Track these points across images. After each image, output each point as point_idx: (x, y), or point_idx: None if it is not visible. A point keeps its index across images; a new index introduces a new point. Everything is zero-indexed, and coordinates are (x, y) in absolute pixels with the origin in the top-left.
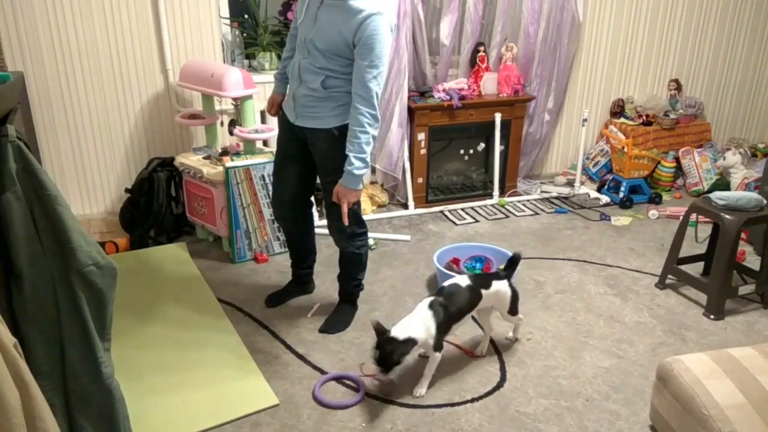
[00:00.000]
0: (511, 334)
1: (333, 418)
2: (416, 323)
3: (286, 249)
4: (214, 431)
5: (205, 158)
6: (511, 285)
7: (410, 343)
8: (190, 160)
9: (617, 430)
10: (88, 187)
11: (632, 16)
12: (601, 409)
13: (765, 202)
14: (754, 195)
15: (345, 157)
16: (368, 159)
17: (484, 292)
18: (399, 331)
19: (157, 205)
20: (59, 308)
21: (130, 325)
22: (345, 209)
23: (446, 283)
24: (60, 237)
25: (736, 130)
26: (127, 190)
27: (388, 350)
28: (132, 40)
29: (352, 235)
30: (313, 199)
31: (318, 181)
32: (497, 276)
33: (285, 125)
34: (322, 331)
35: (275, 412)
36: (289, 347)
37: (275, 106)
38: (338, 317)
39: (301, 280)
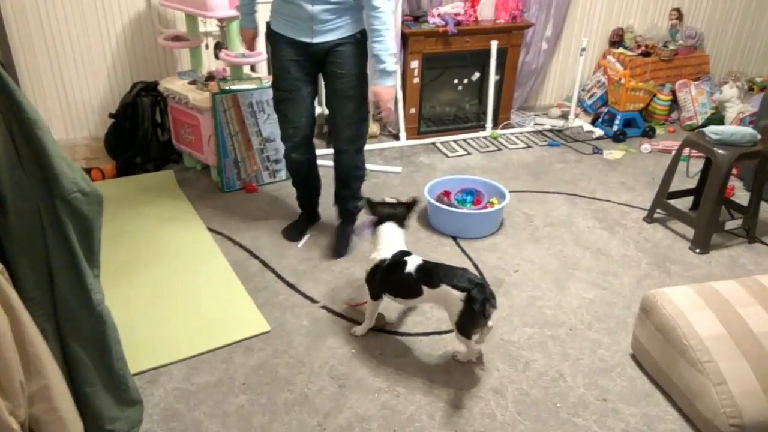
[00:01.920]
0: (457, 352)
1: (323, 344)
2: (389, 237)
3: (275, 179)
4: (206, 356)
5: (190, 83)
6: (467, 302)
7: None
8: (175, 84)
9: (598, 358)
10: (70, 111)
11: None
12: (584, 337)
13: (759, 137)
14: (748, 130)
15: (366, 60)
16: (396, 53)
17: (425, 289)
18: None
19: (142, 131)
20: (46, 235)
21: (119, 253)
22: (390, 106)
23: (397, 252)
24: (42, 163)
25: (735, 62)
26: (111, 115)
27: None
28: None
29: (360, 149)
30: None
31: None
32: (455, 278)
33: (292, 49)
34: (339, 255)
35: (267, 338)
36: (279, 276)
37: (251, 41)
38: (348, 238)
39: (311, 211)
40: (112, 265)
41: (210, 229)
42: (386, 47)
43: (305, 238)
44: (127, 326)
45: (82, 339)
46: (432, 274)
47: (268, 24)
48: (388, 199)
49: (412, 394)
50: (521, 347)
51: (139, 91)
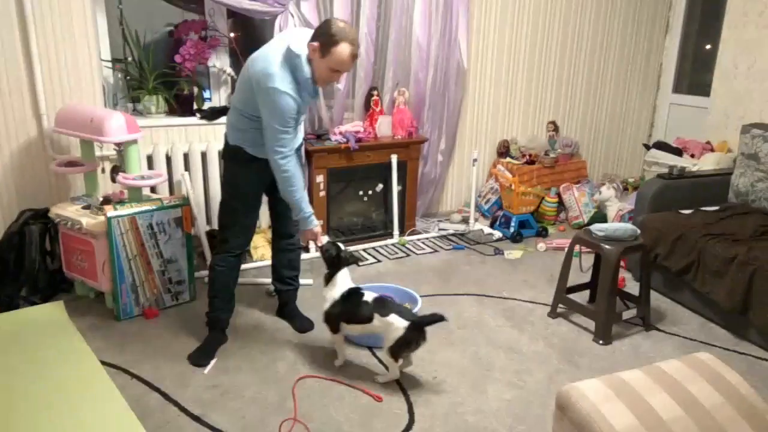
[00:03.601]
0: (377, 376)
1: None
2: (338, 282)
3: (178, 301)
4: None
5: (84, 208)
6: (408, 329)
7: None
8: (67, 210)
9: None
10: None
11: (511, 63)
12: None
13: (639, 231)
14: (629, 226)
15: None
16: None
17: (377, 317)
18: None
19: (29, 261)
20: None
21: (1, 398)
22: (317, 244)
23: (363, 287)
24: None
25: (608, 166)
26: None
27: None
28: (0, 82)
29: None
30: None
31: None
32: (401, 312)
33: (257, 164)
34: (310, 329)
35: None
36: (183, 409)
37: None
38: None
39: (226, 327)
40: None
41: (104, 363)
42: (297, 199)
43: (213, 361)
44: None
45: None
46: (385, 305)
47: None
48: (341, 245)
49: None
50: None
51: (27, 219)
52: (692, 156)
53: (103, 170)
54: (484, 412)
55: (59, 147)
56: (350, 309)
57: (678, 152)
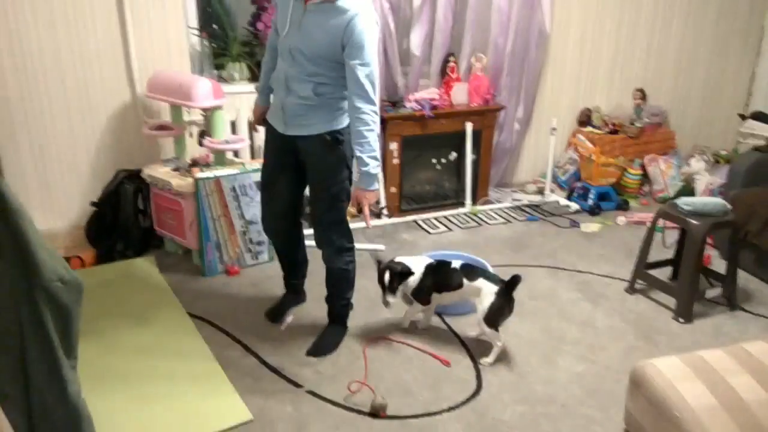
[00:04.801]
0: (484, 359)
1: None
2: (415, 266)
3: (258, 261)
4: None
5: (174, 170)
6: (499, 294)
7: (408, 273)
8: (158, 171)
9: None
10: (51, 200)
11: (597, 27)
12: (576, 414)
13: (729, 207)
14: (719, 200)
15: (338, 163)
16: (379, 156)
17: (466, 282)
18: (401, 261)
19: (124, 218)
20: (22, 326)
21: (98, 342)
22: (366, 211)
23: (444, 255)
24: (23, 252)
25: (699, 137)
26: (92, 204)
27: (396, 269)
28: (98, 50)
29: (340, 249)
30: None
31: (307, 193)
32: (488, 277)
33: (273, 137)
34: (309, 354)
35: (249, 427)
36: (262, 361)
37: (258, 118)
38: (327, 339)
39: (295, 290)
40: (89, 355)
41: (191, 315)
42: (368, 149)
43: (288, 319)
44: (102, 418)
45: None
46: (472, 270)
47: None
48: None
49: None
50: (514, 426)
51: (122, 179)
52: None
53: (191, 134)
54: (553, 383)
55: (150, 111)
56: (440, 278)
57: None
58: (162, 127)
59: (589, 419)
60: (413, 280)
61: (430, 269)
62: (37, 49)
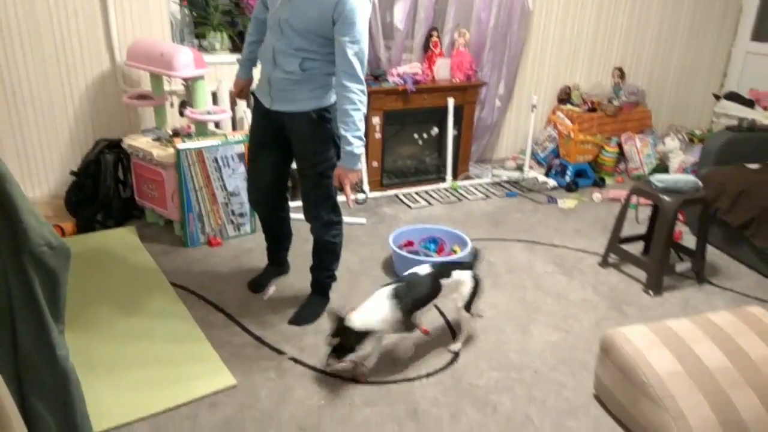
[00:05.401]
0: (453, 345)
1: (291, 397)
2: (375, 313)
3: (240, 233)
4: (170, 413)
5: (154, 140)
6: (475, 277)
7: (367, 334)
8: (138, 141)
9: (564, 399)
10: (30, 169)
11: (578, 5)
12: (549, 379)
13: (701, 184)
14: (690, 178)
15: (324, 140)
16: (363, 136)
17: (443, 281)
18: (357, 321)
19: (104, 187)
20: (10, 290)
21: (81, 310)
22: (348, 190)
23: (407, 273)
24: (10, 217)
25: (675, 117)
26: (72, 173)
27: (346, 338)
28: (76, 15)
29: (328, 224)
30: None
31: (294, 167)
32: (460, 265)
33: (259, 111)
34: (291, 323)
35: (233, 392)
36: (245, 329)
37: (239, 91)
38: (309, 310)
39: (278, 262)
40: (74, 321)
41: (173, 284)
42: (353, 128)
43: (271, 289)
44: (88, 383)
45: (45, 396)
46: (441, 266)
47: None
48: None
49: None
50: (489, 391)
51: (102, 149)
52: (765, 108)
53: (171, 104)
54: (527, 351)
55: (130, 80)
56: (417, 294)
57: (750, 104)
58: (142, 96)
59: (561, 385)
60: (379, 325)
61: (396, 296)
62: (12, 10)
